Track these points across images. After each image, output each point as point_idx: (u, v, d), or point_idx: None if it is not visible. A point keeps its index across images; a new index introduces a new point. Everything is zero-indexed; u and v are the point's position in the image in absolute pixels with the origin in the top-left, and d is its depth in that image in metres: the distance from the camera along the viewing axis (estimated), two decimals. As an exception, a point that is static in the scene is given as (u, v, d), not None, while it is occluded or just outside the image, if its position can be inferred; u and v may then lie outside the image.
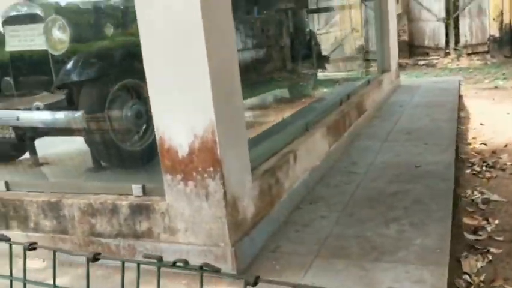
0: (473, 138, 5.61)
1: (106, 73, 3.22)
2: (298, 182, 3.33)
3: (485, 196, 3.89)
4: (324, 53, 7.00)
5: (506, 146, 5.23)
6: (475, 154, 5.00)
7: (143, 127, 3.36)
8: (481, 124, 6.29)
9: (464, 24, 13.23)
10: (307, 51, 6.37)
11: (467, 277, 2.78)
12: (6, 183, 2.93)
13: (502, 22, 12.64)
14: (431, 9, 13.21)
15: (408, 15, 13.48)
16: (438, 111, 5.89)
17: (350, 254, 2.58)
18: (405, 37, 13.70)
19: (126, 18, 3.42)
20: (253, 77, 4.86)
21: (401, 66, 13.48)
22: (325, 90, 6.21)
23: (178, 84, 2.29)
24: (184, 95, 2.28)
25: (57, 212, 2.71)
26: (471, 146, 5.29)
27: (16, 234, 2.76)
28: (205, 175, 2.34)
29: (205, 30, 2.17)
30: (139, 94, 3.26)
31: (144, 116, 3.29)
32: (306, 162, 3.50)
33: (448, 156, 4.07)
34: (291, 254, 2.62)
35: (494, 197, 3.89)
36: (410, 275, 2.32)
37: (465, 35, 13.25)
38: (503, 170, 4.49)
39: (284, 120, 4.21)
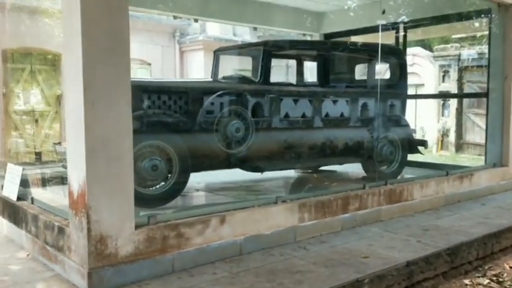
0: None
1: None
2: (222, 242, 3.90)
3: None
4: (419, 136, 6.85)
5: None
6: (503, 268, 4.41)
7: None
8: None
9: None
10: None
11: None
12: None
13: None
14: None
15: None
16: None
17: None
18: None
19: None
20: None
21: None
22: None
23: (73, 148, 3.36)
24: (75, 155, 3.34)
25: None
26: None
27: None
28: (82, 214, 3.31)
29: (86, 106, 3.19)
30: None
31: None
32: (242, 228, 4.02)
33: (409, 255, 3.92)
34: (144, 291, 3.32)
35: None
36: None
37: None
38: (500, 282, 3.95)
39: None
